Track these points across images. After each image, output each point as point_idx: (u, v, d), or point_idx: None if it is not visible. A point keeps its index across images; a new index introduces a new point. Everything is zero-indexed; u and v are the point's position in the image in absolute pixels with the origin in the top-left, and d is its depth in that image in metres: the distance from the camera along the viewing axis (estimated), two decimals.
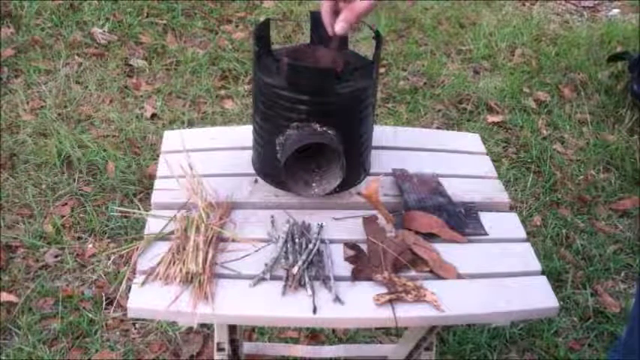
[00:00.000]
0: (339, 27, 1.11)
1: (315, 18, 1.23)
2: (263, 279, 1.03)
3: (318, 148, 1.16)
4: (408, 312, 1.01)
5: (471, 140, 1.43)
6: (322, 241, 1.10)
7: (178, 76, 2.69)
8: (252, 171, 1.25)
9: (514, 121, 2.59)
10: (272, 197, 1.20)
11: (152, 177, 1.27)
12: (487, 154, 1.38)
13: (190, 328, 1.69)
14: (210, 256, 1.05)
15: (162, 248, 1.08)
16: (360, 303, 1.01)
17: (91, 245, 1.94)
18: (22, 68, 2.64)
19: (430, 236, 1.13)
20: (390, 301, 1.01)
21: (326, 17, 1.15)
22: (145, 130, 2.37)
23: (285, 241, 1.09)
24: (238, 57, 2.81)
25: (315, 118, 1.12)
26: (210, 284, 1.01)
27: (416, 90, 2.73)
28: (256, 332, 1.72)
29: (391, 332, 1.72)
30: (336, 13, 1.14)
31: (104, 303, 1.77)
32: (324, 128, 1.12)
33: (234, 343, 1.32)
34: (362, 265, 1.06)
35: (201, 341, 1.70)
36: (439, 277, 1.07)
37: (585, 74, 2.87)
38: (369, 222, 1.14)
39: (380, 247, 1.08)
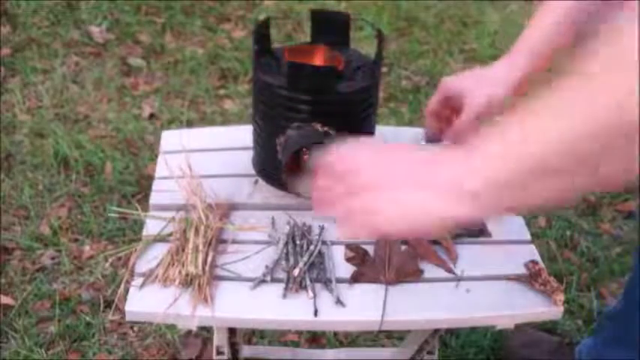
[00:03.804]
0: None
1: (316, 17, 1.22)
2: (263, 281, 1.02)
3: (319, 149, 1.15)
4: (410, 315, 1.00)
5: None
6: (324, 243, 1.09)
7: (177, 76, 2.67)
8: (253, 171, 1.24)
9: None
10: (272, 198, 1.18)
11: (150, 178, 1.25)
12: None
13: (189, 331, 1.66)
14: (209, 258, 1.04)
15: (160, 250, 1.06)
16: (361, 305, 1.00)
17: (88, 247, 1.91)
18: (19, 67, 2.62)
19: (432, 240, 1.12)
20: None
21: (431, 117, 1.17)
22: (143, 130, 2.35)
23: (286, 243, 1.08)
24: (238, 56, 2.79)
25: (316, 118, 1.10)
26: (209, 287, 1.00)
27: (418, 89, 2.71)
28: (256, 335, 1.70)
29: (393, 335, 1.70)
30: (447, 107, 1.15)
31: (102, 306, 1.75)
32: (325, 128, 1.11)
33: (233, 347, 1.30)
34: (364, 269, 1.04)
35: (201, 344, 1.68)
36: (442, 280, 1.05)
37: None
38: None
39: (387, 254, 1.06)
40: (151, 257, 1.05)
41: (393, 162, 0.68)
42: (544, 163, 0.59)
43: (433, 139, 1.20)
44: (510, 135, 0.62)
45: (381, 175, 0.68)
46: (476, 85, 1.12)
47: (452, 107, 1.15)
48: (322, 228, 1.11)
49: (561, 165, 0.59)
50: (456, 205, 0.63)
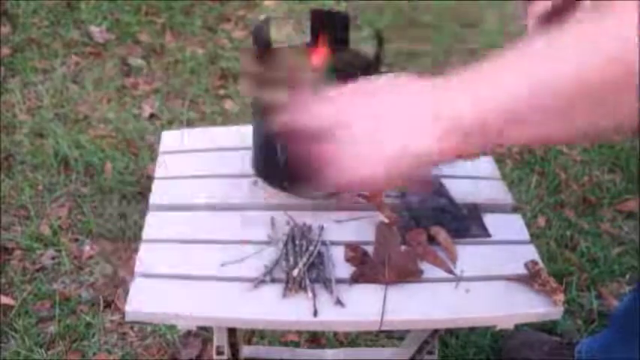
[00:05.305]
0: None
1: (316, 17, 1.22)
2: (263, 281, 1.02)
3: None
4: (410, 315, 1.00)
5: None
6: (323, 243, 1.09)
7: (177, 76, 2.67)
8: (252, 172, 1.23)
9: None
10: (272, 198, 1.18)
11: (150, 178, 1.25)
12: (490, 155, 1.37)
13: (189, 331, 1.67)
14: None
15: (160, 250, 1.06)
16: (361, 306, 1.00)
17: (88, 247, 1.91)
18: (19, 67, 2.62)
19: (432, 240, 1.11)
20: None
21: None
22: (143, 130, 2.35)
23: (286, 243, 1.07)
24: (238, 56, 2.79)
25: None
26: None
27: None
28: (256, 335, 1.70)
29: (393, 336, 1.70)
30: None
31: (102, 306, 1.75)
32: None
33: (233, 347, 1.30)
34: (364, 269, 1.04)
35: (201, 344, 1.68)
36: (442, 280, 1.05)
37: None
38: (382, 227, 1.11)
39: (387, 254, 1.06)
40: (151, 258, 1.05)
41: (384, 112, 0.69)
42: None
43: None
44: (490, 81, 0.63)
45: (372, 127, 0.68)
46: None
47: None
48: (322, 228, 1.11)
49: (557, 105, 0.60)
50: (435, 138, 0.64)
